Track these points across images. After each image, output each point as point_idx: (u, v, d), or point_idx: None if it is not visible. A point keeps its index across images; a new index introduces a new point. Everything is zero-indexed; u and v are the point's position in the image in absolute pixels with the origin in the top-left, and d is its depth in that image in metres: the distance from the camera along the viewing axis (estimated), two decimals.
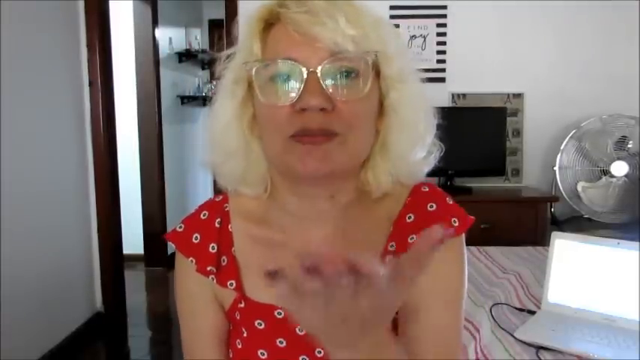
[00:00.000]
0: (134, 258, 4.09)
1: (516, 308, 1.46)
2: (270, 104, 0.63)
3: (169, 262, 4.17)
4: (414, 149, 0.70)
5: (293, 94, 0.62)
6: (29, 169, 2.43)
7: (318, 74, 0.61)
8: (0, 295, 2.16)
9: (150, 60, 4.04)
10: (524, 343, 1.25)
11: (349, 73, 0.62)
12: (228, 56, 0.70)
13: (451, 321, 0.71)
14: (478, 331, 1.33)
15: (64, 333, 2.69)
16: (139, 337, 3.07)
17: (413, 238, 0.70)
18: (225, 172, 0.73)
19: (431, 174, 0.74)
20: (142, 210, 4.21)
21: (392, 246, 0.70)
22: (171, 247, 0.77)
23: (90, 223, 2.95)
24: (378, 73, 0.66)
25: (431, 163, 0.72)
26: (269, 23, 0.66)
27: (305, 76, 0.61)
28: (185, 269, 0.75)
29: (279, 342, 0.71)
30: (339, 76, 0.62)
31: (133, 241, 3.96)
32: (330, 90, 0.62)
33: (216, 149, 0.72)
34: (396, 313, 0.70)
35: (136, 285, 3.81)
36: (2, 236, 2.18)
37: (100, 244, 2.97)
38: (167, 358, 2.90)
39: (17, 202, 2.31)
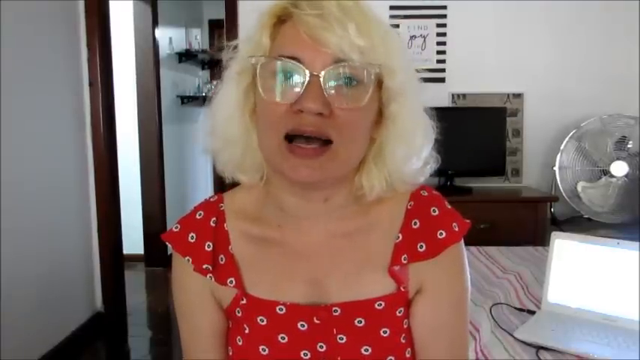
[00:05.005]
0: (134, 258, 4.08)
1: (516, 308, 1.47)
2: (270, 101, 0.64)
3: (169, 262, 4.15)
4: (409, 161, 0.70)
5: (293, 95, 0.62)
6: (29, 169, 2.43)
7: (321, 79, 0.61)
8: (0, 295, 2.16)
9: (150, 60, 4.04)
10: (524, 343, 1.25)
11: (351, 82, 0.63)
12: (235, 46, 0.70)
13: (457, 323, 0.74)
14: (478, 331, 1.33)
15: (64, 333, 2.69)
16: (139, 337, 3.07)
17: (422, 246, 0.71)
18: (224, 159, 0.73)
19: (431, 174, 0.75)
20: (142, 210, 4.20)
21: (405, 258, 0.71)
22: (170, 247, 0.77)
23: (90, 223, 2.94)
24: (380, 84, 0.66)
25: (426, 174, 0.73)
26: (281, 20, 0.66)
27: (307, 78, 0.62)
28: (182, 268, 0.76)
29: (281, 338, 0.71)
30: (340, 83, 0.63)
31: (133, 241, 3.96)
32: (330, 96, 0.62)
33: (217, 135, 0.72)
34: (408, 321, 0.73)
35: (136, 285, 3.81)
36: (2, 236, 2.18)
37: (100, 244, 2.96)
38: (167, 358, 2.90)
39: (17, 202, 2.30)
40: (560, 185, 2.71)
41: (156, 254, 4.17)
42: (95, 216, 2.95)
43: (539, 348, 1.22)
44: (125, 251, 3.17)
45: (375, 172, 0.70)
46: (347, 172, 0.69)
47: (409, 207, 0.74)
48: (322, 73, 0.61)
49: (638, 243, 1.33)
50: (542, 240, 2.44)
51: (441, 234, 0.71)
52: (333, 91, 0.62)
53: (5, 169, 2.21)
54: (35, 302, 2.45)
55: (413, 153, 0.70)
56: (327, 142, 0.63)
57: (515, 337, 1.28)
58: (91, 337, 2.89)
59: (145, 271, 4.20)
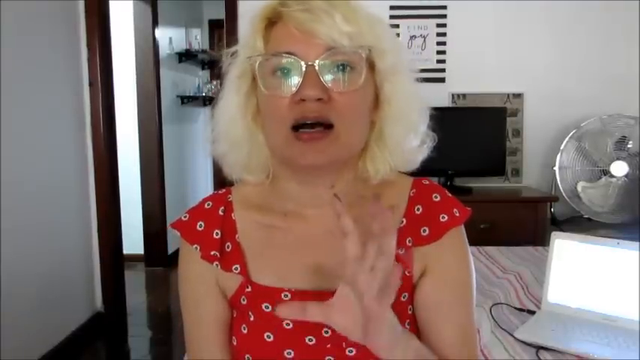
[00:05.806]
0: (134, 258, 4.08)
1: (516, 308, 1.47)
2: (272, 95, 0.68)
3: (169, 262, 4.17)
4: (408, 137, 0.75)
5: (293, 86, 0.67)
6: (29, 169, 2.43)
7: (316, 67, 0.66)
8: (0, 295, 2.16)
9: (150, 60, 4.04)
10: (524, 343, 1.25)
11: (345, 67, 0.67)
12: (232, 53, 0.74)
13: (462, 310, 0.74)
14: (478, 331, 1.33)
15: (64, 333, 2.69)
16: (139, 337, 3.07)
17: (425, 230, 0.73)
18: (230, 161, 0.77)
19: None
20: (142, 210, 4.20)
21: (409, 241, 0.73)
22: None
23: (90, 223, 2.95)
24: (372, 68, 0.70)
25: (425, 152, 0.77)
26: (271, 22, 0.70)
27: (304, 69, 0.66)
28: (189, 257, 0.78)
29: (286, 324, 0.72)
30: (335, 69, 0.67)
31: (133, 241, 3.96)
32: (327, 82, 0.66)
33: (222, 140, 0.77)
34: (414, 314, 0.74)
35: (136, 285, 3.81)
36: (2, 236, 2.18)
37: (100, 244, 2.97)
38: (167, 358, 2.90)
39: (17, 202, 2.30)
40: (560, 185, 2.71)
41: (156, 254, 4.17)
42: (95, 216, 2.95)
43: (539, 348, 1.22)
44: (125, 251, 3.17)
45: (379, 156, 0.74)
46: (350, 155, 0.72)
47: (412, 194, 0.77)
48: (317, 61, 0.66)
49: (638, 243, 1.33)
50: (542, 240, 2.44)
51: (443, 217, 0.74)
52: (329, 78, 0.66)
53: (5, 169, 2.21)
54: (35, 302, 2.45)
55: (410, 130, 0.74)
56: (329, 128, 0.67)
57: (515, 337, 1.28)
58: (91, 337, 2.89)
59: (145, 271, 4.20)
